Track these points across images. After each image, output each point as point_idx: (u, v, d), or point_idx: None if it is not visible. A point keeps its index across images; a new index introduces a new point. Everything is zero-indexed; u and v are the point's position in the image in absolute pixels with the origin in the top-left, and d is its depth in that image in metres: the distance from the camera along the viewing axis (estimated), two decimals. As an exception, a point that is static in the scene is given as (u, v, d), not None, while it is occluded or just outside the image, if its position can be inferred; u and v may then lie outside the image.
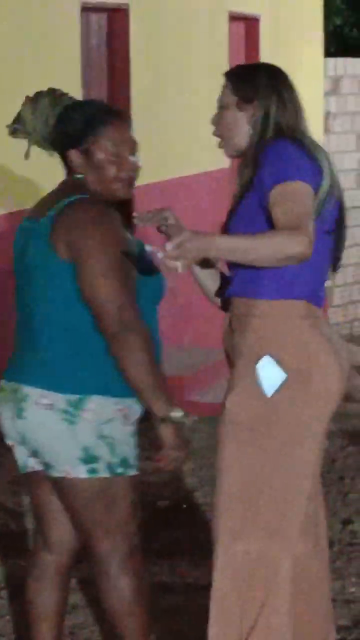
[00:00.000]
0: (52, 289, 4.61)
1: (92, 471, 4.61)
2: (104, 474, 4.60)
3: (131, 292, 4.52)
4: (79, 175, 4.64)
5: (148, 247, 4.31)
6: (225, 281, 4.70)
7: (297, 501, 4.61)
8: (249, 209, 4.50)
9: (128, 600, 4.76)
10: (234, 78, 4.66)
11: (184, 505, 7.53)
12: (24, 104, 4.75)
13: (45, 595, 4.97)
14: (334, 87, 13.25)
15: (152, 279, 4.83)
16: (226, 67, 4.55)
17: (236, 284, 4.61)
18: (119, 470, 4.59)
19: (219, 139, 4.63)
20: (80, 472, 4.62)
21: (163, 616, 5.98)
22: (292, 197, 4.33)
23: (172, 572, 6.51)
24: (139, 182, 10.50)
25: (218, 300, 4.82)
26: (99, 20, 10.09)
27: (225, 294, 4.67)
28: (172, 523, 7.26)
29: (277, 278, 4.47)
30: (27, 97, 4.75)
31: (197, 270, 4.79)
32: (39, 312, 4.68)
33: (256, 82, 4.59)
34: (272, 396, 4.46)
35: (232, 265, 4.51)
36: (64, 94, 4.76)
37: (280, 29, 12.26)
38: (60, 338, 4.62)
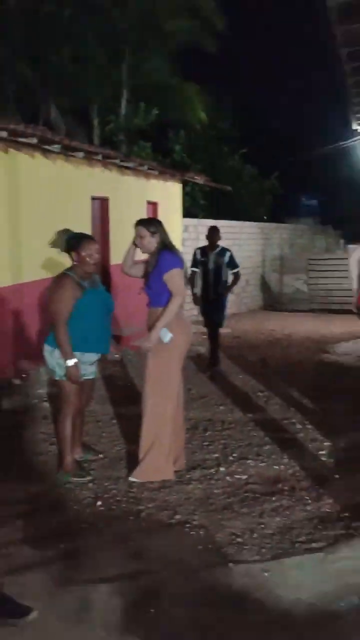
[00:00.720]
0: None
1: (57, 376, 4.57)
2: (60, 378, 4.54)
3: (64, 313, 4.39)
4: (75, 263, 4.54)
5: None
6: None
7: (175, 381, 4.59)
8: (155, 276, 4.48)
9: (61, 427, 4.60)
10: (146, 223, 4.63)
11: (128, 384, 7.46)
12: (57, 234, 4.66)
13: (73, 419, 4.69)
14: (185, 229, 13.12)
15: (105, 302, 4.71)
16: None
17: (151, 302, 4.61)
18: (65, 377, 4.49)
19: (140, 248, 4.63)
20: (54, 376, 4.63)
21: (115, 427, 5.85)
22: (174, 277, 4.46)
23: (122, 410, 6.28)
24: (115, 262, 10.10)
25: (131, 272, 4.76)
26: (97, 203, 9.91)
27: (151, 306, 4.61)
28: (122, 390, 7.15)
29: (165, 299, 4.50)
30: (57, 232, 4.67)
31: (129, 263, 4.79)
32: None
33: (156, 225, 4.61)
34: (166, 342, 4.41)
35: (148, 293, 4.61)
36: (69, 231, 4.65)
37: (167, 207, 12.09)
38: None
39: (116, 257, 10.10)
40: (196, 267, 8.10)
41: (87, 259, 4.52)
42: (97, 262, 4.61)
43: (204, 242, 8.55)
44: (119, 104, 16.48)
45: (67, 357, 4.41)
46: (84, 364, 4.57)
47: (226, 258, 8.07)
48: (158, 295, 4.49)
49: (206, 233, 8.36)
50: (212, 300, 8.06)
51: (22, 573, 3.25)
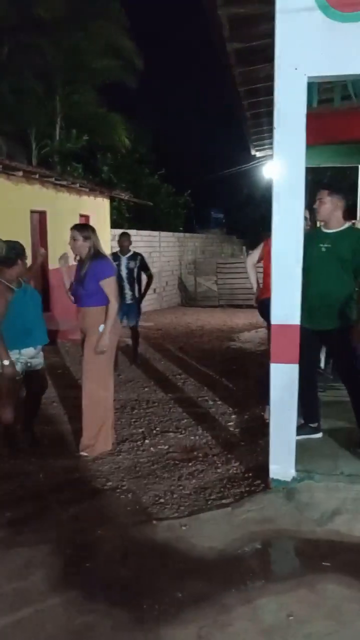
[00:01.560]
0: None
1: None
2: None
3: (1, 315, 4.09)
4: (6, 269, 4.21)
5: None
6: (75, 299, 4.46)
7: (109, 370, 4.49)
8: (89, 279, 4.29)
9: (3, 413, 4.32)
10: (80, 228, 4.42)
11: (66, 372, 7.30)
12: None
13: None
14: (113, 238, 12.98)
15: (33, 298, 4.41)
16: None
17: (80, 302, 4.42)
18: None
19: (72, 250, 4.43)
20: None
21: (55, 409, 5.74)
22: (111, 285, 4.29)
23: (61, 393, 6.17)
24: (52, 266, 9.73)
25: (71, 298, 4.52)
26: (36, 216, 9.69)
27: (77, 305, 4.45)
28: (61, 377, 6.98)
29: (96, 300, 4.34)
30: None
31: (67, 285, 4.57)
32: None
33: (89, 231, 4.39)
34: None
35: (80, 294, 4.41)
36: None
37: (97, 219, 11.93)
38: None
39: (53, 262, 9.95)
40: None
41: (23, 271, 4.31)
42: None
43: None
44: (54, 130, 16.19)
45: (2, 358, 4.12)
46: (27, 358, 4.33)
47: (137, 262, 7.49)
48: (90, 296, 4.31)
49: (118, 239, 7.74)
50: (128, 303, 7.36)
51: (-27, 539, 3.15)
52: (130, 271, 7.45)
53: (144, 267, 7.59)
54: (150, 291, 14.70)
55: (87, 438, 4.44)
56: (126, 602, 2.57)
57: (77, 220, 10.90)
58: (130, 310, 7.46)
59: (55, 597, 2.63)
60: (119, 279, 7.32)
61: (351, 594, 2.59)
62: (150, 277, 7.72)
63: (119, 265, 7.45)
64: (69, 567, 2.88)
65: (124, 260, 7.46)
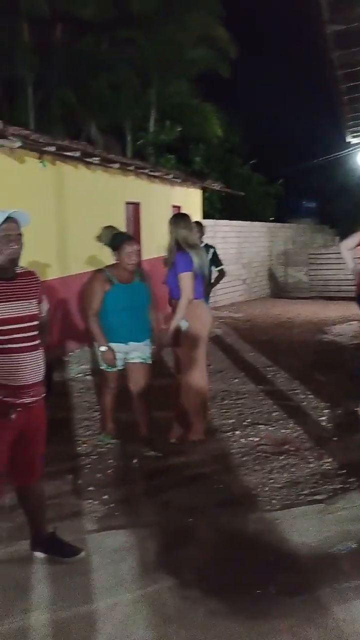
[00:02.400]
0: None
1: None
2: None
3: (91, 305, 4.15)
4: (116, 261, 4.21)
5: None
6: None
7: (202, 362, 4.50)
8: (173, 273, 4.30)
9: (101, 400, 4.56)
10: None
11: (158, 360, 7.36)
12: (103, 230, 4.52)
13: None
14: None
15: (135, 296, 4.23)
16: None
17: (172, 295, 4.37)
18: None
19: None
20: None
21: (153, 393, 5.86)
22: (183, 280, 4.25)
23: (153, 382, 6.27)
24: (151, 256, 9.87)
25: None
26: (130, 207, 9.83)
27: (171, 298, 4.43)
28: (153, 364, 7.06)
29: (178, 293, 4.34)
30: (104, 227, 4.51)
31: None
32: None
33: (171, 223, 4.41)
34: (185, 330, 4.36)
35: (171, 291, 4.41)
36: (114, 228, 4.48)
37: (189, 210, 11.90)
38: None
39: (147, 253, 10.10)
40: None
41: (126, 259, 4.15)
42: (135, 263, 4.17)
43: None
44: (148, 122, 16.40)
45: (99, 343, 4.17)
46: (118, 352, 4.22)
47: (210, 255, 6.85)
48: (174, 289, 4.33)
49: None
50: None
51: (72, 519, 3.28)
52: None
53: (216, 261, 7.00)
54: (239, 282, 14.70)
55: (179, 427, 4.49)
56: (218, 591, 2.57)
57: (169, 211, 11.01)
58: None
59: (149, 581, 2.68)
60: None
61: None
62: (221, 273, 7.17)
63: None
64: (161, 553, 2.93)
65: None
